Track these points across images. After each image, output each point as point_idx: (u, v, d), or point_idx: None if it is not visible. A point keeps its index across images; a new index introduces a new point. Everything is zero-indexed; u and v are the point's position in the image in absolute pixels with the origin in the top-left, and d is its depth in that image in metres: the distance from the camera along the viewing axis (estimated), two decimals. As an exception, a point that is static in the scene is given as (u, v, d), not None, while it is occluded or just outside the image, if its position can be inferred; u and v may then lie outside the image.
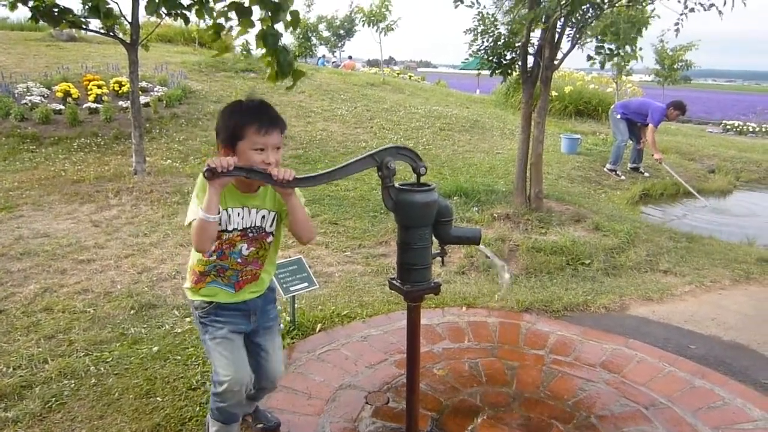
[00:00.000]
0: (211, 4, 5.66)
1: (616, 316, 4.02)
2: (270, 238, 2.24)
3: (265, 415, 2.60)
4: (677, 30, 5.61)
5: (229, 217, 2.12)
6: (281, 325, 2.53)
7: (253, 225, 2.18)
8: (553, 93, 13.84)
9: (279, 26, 4.10)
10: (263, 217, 2.19)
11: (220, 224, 2.06)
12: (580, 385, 3.04)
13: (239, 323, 2.26)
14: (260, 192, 2.17)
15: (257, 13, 4.02)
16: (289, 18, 4.03)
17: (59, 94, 9.60)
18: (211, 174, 1.89)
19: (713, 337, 3.72)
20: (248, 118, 2.03)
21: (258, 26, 4.05)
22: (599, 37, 5.22)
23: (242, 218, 2.15)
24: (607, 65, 5.85)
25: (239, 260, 2.20)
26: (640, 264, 5.15)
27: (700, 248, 5.64)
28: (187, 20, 6.67)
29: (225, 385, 2.16)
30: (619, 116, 9.46)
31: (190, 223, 2.02)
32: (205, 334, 2.24)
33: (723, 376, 3.18)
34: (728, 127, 19.57)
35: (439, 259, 2.26)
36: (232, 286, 2.22)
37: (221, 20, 4.40)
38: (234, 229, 2.14)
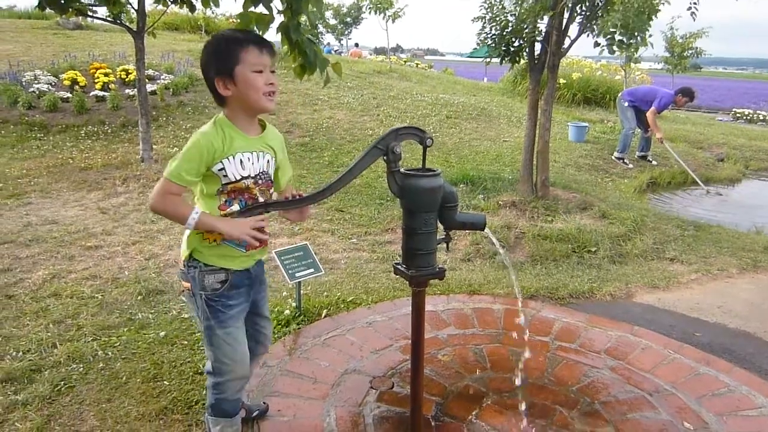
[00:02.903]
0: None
1: (621, 303, 4.02)
2: (272, 189, 2.17)
3: (251, 408, 2.54)
4: (693, 14, 5.54)
5: (241, 162, 1.99)
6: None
7: (261, 171, 2.08)
8: (561, 81, 13.74)
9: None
10: (268, 161, 2.10)
11: (226, 173, 1.97)
12: (585, 372, 3.04)
13: (244, 301, 2.17)
14: (265, 133, 2.10)
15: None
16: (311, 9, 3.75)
17: (66, 82, 9.63)
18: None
19: (719, 325, 3.72)
20: (242, 42, 1.95)
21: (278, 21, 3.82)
22: (610, 30, 5.18)
23: (252, 164, 2.03)
24: (615, 53, 5.80)
25: None
26: (646, 252, 5.14)
27: (707, 236, 5.62)
28: (193, 8, 6.66)
29: (229, 375, 2.14)
30: (626, 104, 9.39)
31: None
32: (211, 320, 2.08)
33: (728, 363, 3.18)
34: (738, 115, 19.43)
35: (444, 245, 2.26)
36: (244, 245, 2.08)
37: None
38: (248, 176, 2.02)
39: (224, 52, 1.95)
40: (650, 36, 5.54)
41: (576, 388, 2.88)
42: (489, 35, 6.14)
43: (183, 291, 2.20)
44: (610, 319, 3.69)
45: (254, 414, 2.54)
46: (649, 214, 6.24)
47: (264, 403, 2.61)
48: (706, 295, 4.21)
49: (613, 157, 9.54)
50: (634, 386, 2.91)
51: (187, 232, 2.07)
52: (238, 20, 2.95)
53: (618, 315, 3.78)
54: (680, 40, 15.78)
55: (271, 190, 2.17)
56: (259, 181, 2.08)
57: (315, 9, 3.05)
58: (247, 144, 2.02)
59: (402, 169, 2.09)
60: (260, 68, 1.95)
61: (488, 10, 6.07)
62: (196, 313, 2.16)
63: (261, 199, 2.10)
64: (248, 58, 1.94)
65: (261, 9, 3.01)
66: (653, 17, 5.16)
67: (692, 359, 3.20)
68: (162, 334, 3.30)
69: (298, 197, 2.09)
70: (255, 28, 2.85)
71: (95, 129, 8.45)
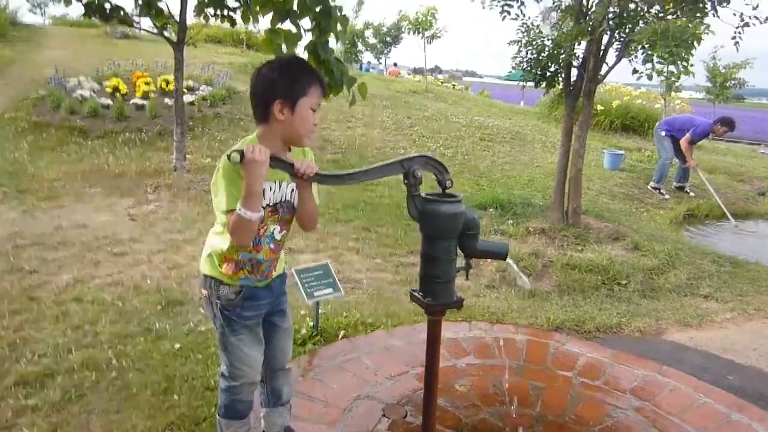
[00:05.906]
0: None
1: (651, 340, 3.87)
2: (292, 216, 2.16)
3: None
4: (736, 44, 5.42)
5: (263, 192, 1.96)
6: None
7: (283, 199, 2.09)
8: (599, 107, 13.54)
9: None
10: (293, 190, 2.10)
11: None
12: (608, 411, 2.92)
13: (261, 312, 2.19)
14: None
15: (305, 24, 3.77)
16: (339, 27, 3.72)
17: (108, 90, 9.84)
18: (241, 157, 1.78)
19: (753, 369, 3.54)
20: (314, 78, 2.02)
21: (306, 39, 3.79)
22: (646, 45, 5.04)
23: (273, 192, 2.05)
24: (656, 79, 5.65)
25: (272, 246, 2.12)
26: (679, 287, 4.96)
27: (744, 273, 5.41)
28: (233, 23, 6.76)
29: (242, 379, 2.16)
30: (663, 133, 9.20)
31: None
32: (225, 328, 2.13)
33: (762, 410, 3.00)
34: (782, 148, 18.85)
35: (463, 272, 2.19)
36: (264, 277, 2.15)
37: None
38: (267, 205, 2.03)
39: (295, 80, 1.98)
40: (692, 65, 5.36)
41: (598, 429, 2.76)
42: (524, 59, 6.07)
43: (201, 297, 2.25)
44: (637, 356, 3.54)
45: None
46: (684, 247, 6.04)
47: None
48: (741, 335, 4.03)
49: (649, 187, 9.32)
50: (660, 430, 2.78)
51: (207, 249, 2.14)
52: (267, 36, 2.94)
53: (646, 352, 3.63)
54: (722, 71, 15.43)
55: (293, 217, 2.16)
56: (279, 210, 2.08)
57: (342, 29, 3.04)
58: (271, 173, 1.94)
59: (422, 194, 2.03)
60: (316, 107, 2.03)
61: (525, 33, 6.01)
62: (212, 319, 2.22)
63: (275, 231, 2.11)
64: (314, 94, 2.00)
65: (289, 26, 3.01)
66: (695, 45, 4.99)
67: (723, 404, 3.04)
68: (177, 346, 3.28)
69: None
70: (283, 46, 2.85)
71: (132, 136, 8.58)
